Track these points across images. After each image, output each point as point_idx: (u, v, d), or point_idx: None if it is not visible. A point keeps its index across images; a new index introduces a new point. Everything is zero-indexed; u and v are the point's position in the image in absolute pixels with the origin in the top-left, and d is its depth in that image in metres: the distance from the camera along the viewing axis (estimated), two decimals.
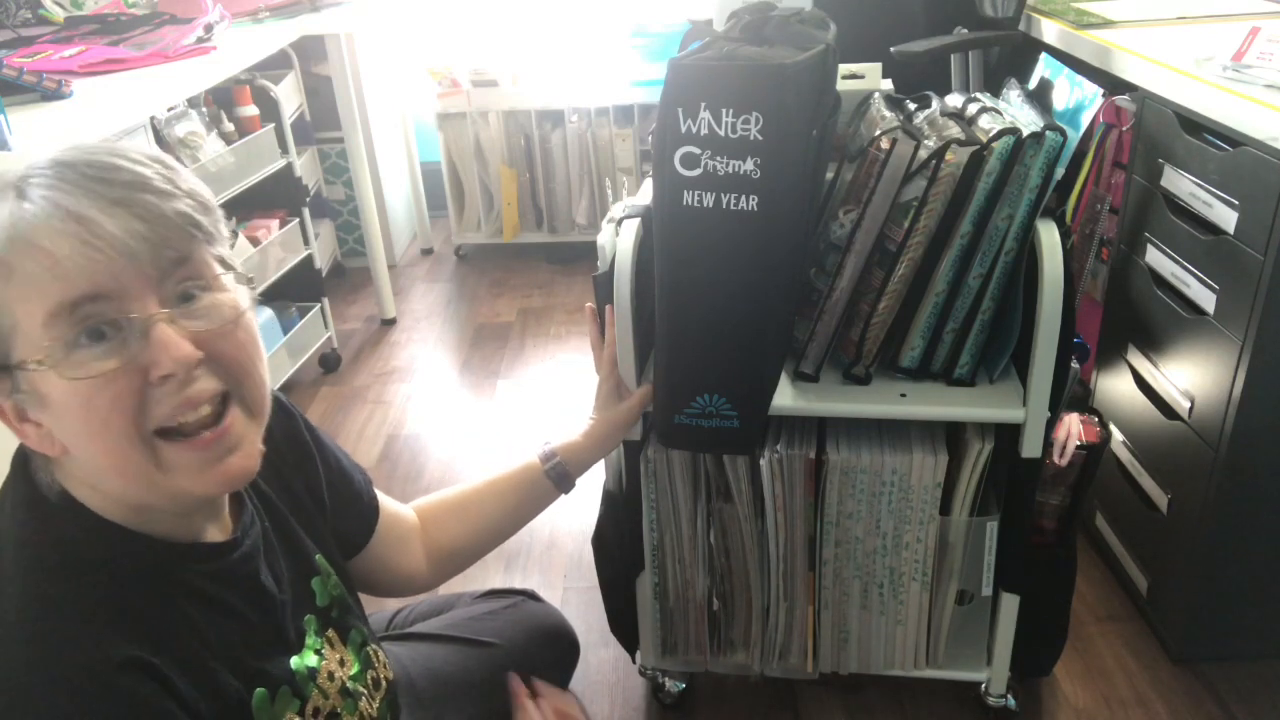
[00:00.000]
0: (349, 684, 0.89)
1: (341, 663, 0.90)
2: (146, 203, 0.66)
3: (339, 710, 0.86)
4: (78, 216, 0.64)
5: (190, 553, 0.76)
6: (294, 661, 0.83)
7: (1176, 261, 1.38)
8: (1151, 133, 1.44)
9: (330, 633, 0.90)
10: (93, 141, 0.71)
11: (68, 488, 0.72)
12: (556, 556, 1.79)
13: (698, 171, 0.97)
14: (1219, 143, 1.27)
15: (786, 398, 1.18)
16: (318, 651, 0.87)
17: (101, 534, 0.72)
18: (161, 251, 0.67)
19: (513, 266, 3.14)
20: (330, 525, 0.98)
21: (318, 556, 0.92)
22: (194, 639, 0.73)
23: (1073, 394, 1.19)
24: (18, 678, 0.64)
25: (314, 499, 0.96)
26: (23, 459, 0.74)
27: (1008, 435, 1.16)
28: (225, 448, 0.71)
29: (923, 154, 1.07)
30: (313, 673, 0.85)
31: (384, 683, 0.97)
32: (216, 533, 0.80)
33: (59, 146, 0.69)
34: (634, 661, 1.44)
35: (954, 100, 1.23)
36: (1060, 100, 1.70)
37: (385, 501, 1.09)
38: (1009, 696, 1.36)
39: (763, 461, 1.18)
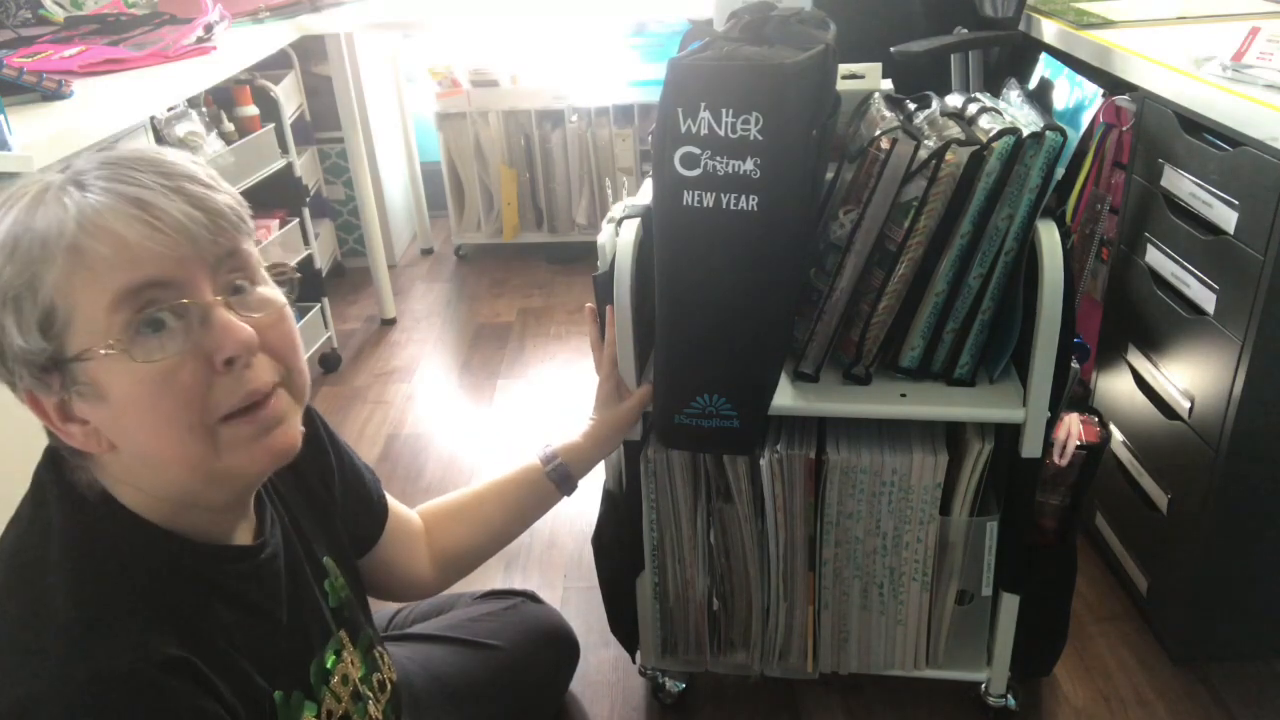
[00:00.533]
0: (359, 686, 0.90)
1: (352, 664, 0.90)
2: (199, 193, 0.69)
3: (351, 714, 0.87)
4: (142, 202, 0.66)
5: (224, 554, 0.77)
6: (312, 665, 0.84)
7: (1176, 261, 1.37)
8: (1151, 133, 1.44)
9: (342, 633, 0.90)
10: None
11: (107, 487, 0.72)
12: (556, 556, 1.79)
13: (698, 171, 0.97)
14: (1219, 143, 1.27)
15: (786, 398, 1.18)
16: (337, 652, 0.87)
17: (141, 534, 0.72)
18: (217, 239, 0.69)
19: (513, 266, 3.14)
20: (343, 522, 0.98)
21: (325, 559, 0.92)
22: (227, 641, 0.74)
23: (1073, 394, 1.19)
24: (67, 681, 0.64)
25: (329, 495, 0.96)
26: (53, 460, 0.74)
27: (1008, 435, 1.16)
28: (273, 421, 0.72)
29: (923, 154, 1.07)
30: (326, 675, 0.85)
31: (389, 685, 0.97)
32: (245, 533, 0.81)
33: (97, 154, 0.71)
34: (634, 661, 1.44)
35: (954, 100, 1.23)
36: (1060, 100, 1.70)
37: (393, 503, 1.09)
38: (1009, 696, 1.36)
39: (763, 461, 1.18)
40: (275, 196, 2.31)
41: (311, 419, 0.96)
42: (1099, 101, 1.58)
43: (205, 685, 0.69)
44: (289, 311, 0.75)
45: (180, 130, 1.91)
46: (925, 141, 1.08)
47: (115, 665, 0.65)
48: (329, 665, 0.86)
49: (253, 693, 0.75)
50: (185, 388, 0.67)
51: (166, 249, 0.66)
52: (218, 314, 0.68)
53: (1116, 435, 1.56)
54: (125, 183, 0.66)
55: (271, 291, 0.74)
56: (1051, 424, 1.15)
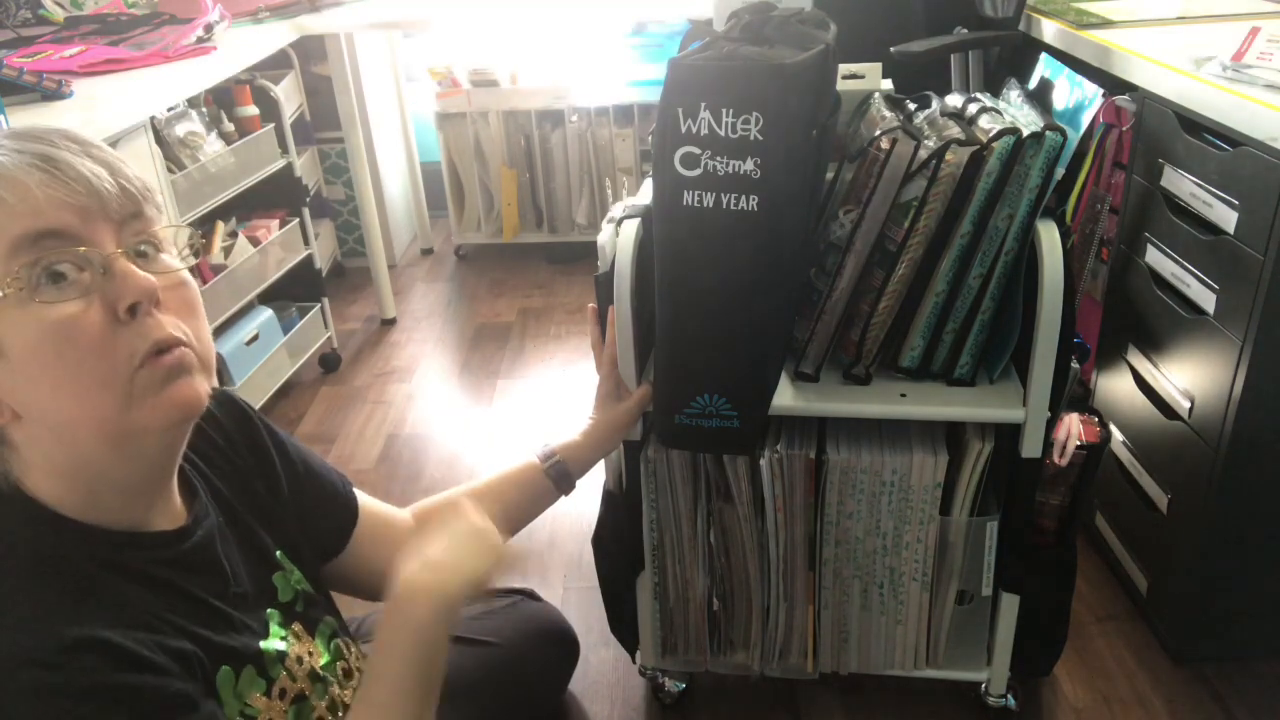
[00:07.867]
0: (320, 670, 0.90)
1: (310, 653, 0.90)
2: (108, 157, 0.72)
3: (307, 694, 0.87)
4: (49, 157, 0.68)
5: (140, 540, 0.77)
6: (263, 644, 0.84)
7: (1176, 261, 1.38)
8: (1151, 133, 1.44)
9: (295, 626, 0.90)
10: None
11: (20, 478, 0.73)
12: (556, 556, 1.79)
13: (698, 171, 0.97)
14: (1219, 143, 1.27)
15: (786, 398, 1.18)
16: (283, 639, 0.88)
17: (51, 527, 0.72)
18: (123, 199, 0.71)
19: (513, 266, 3.14)
20: (298, 525, 0.97)
21: (279, 553, 0.92)
22: (151, 617, 0.73)
23: (1073, 394, 1.19)
24: None
25: (276, 500, 0.96)
26: None
27: (1008, 435, 1.16)
28: (178, 369, 0.72)
29: (923, 154, 1.07)
30: (281, 655, 0.85)
31: (356, 674, 0.97)
32: (165, 521, 0.81)
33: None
34: (634, 661, 1.44)
35: (954, 100, 1.23)
36: (1060, 100, 1.70)
37: (369, 503, 1.09)
38: (1009, 696, 1.36)
39: (763, 461, 1.18)
40: (275, 196, 2.31)
41: (254, 426, 0.96)
42: (1099, 101, 1.58)
43: (125, 657, 0.68)
44: (191, 280, 0.77)
45: (180, 130, 1.91)
46: (925, 141, 1.08)
47: (19, 661, 0.64)
48: (281, 647, 0.86)
49: (190, 663, 0.74)
50: (90, 337, 0.67)
51: (71, 199, 0.67)
52: (119, 263, 0.69)
53: (1116, 435, 1.56)
54: (36, 141, 0.68)
55: (176, 262, 0.76)
56: (1051, 424, 1.15)
